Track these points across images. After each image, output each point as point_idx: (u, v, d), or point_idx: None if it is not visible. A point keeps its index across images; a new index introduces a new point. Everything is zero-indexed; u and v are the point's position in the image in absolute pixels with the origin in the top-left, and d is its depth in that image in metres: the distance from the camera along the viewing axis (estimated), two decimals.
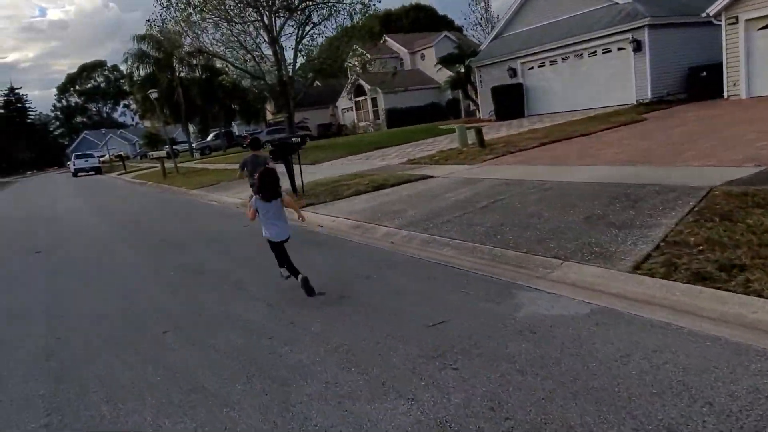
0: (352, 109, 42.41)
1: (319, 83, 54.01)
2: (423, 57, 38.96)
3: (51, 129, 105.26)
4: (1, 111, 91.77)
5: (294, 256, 5.12)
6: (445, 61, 26.85)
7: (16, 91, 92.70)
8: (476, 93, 26.27)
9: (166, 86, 40.96)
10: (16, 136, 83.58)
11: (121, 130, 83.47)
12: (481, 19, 51.73)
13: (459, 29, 52.18)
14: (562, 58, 21.56)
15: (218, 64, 29.62)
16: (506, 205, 7.19)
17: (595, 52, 20.24)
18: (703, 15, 16.32)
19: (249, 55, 23.45)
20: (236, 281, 5.85)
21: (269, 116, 48.04)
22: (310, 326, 4.15)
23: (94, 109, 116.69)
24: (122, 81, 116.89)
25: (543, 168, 9.65)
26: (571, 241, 5.20)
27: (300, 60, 24.47)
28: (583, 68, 20.78)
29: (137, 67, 39.45)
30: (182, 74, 41.02)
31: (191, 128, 72.77)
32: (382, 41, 39.06)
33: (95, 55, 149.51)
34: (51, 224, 13.40)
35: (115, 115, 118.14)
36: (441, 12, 71.50)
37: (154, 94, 24.83)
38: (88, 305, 5.70)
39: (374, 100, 36.97)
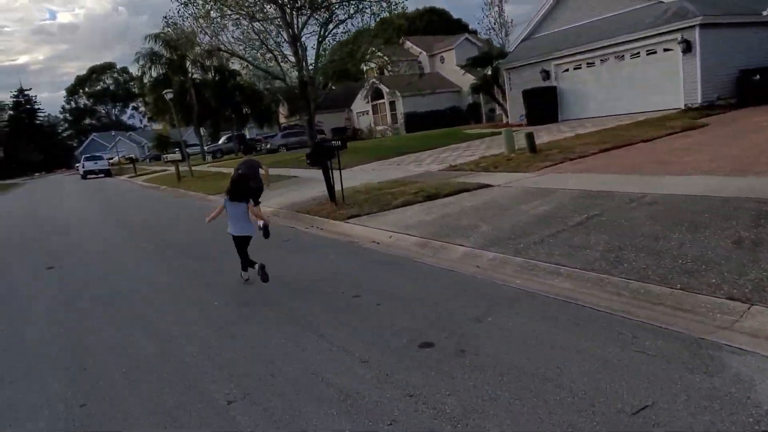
0: (368, 113, 41.36)
1: (333, 87, 53.31)
2: (442, 60, 37.89)
3: (59, 131, 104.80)
4: (11, 112, 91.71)
5: (370, 281, 4.00)
6: (473, 63, 25.76)
7: (26, 92, 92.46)
8: (504, 96, 25.12)
9: (179, 88, 40.10)
10: (25, 137, 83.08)
11: (130, 133, 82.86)
12: (495, 24, 50.87)
13: (473, 33, 51.21)
14: (601, 60, 20.39)
15: (236, 65, 28.66)
16: (607, 222, 6.03)
17: (638, 53, 19.06)
18: (765, 13, 15.13)
19: (270, 54, 22.41)
20: (303, 317, 4.70)
21: (282, 120, 47.06)
22: (435, 399, 2.98)
23: (103, 111, 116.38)
24: (131, 83, 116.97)
25: (621, 177, 8.47)
26: (739, 274, 4.03)
27: (322, 60, 23.39)
28: (625, 71, 19.59)
29: (149, 68, 38.51)
30: (195, 76, 40.13)
31: (202, 131, 72.15)
32: (401, 43, 38.00)
33: (104, 58, 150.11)
34: (62, 233, 12.32)
35: (124, 117, 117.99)
36: (455, 16, 70.44)
37: (169, 95, 23.84)
38: (117, 349, 4.55)
39: (392, 104, 35.90)
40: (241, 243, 6.01)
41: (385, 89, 35.09)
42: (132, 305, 5.83)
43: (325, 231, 8.70)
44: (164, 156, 24.47)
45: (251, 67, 24.03)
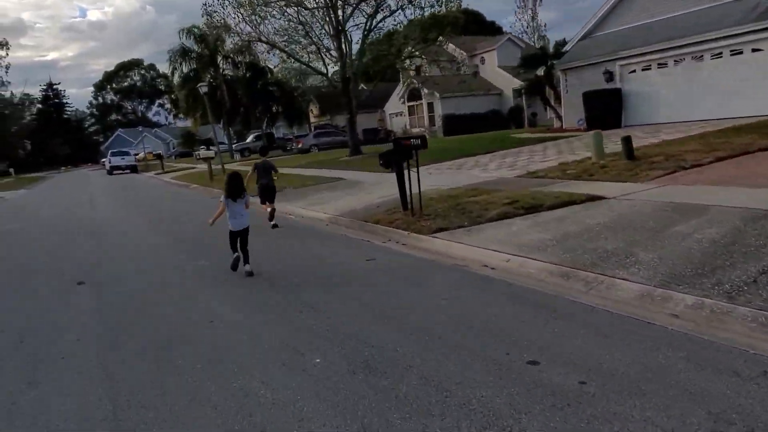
0: (401, 114, 39.88)
1: (364, 86, 51.98)
2: (483, 61, 36.26)
3: (86, 126, 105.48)
4: (39, 106, 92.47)
5: (529, 334, 2.44)
6: (525, 63, 24.07)
7: (55, 86, 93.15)
8: (557, 99, 23.41)
9: (209, 84, 39.12)
10: (52, 131, 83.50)
11: (155, 129, 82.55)
12: (528, 27, 49.06)
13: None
14: (675, 61, 18.58)
15: (271, 61, 27.35)
16: None
17: (720, 53, 17.23)
18: None
19: (313, 47, 21.08)
20: (426, 378, 3.16)
21: (312, 119, 45.86)
22: None
23: (129, 108, 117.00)
24: (158, 80, 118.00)
25: None
26: None
27: (366, 55, 21.98)
28: (703, 73, 17.76)
29: (180, 64, 37.57)
30: (226, 72, 39.10)
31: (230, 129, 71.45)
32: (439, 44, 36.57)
33: (131, 56, 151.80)
34: (92, 237, 11.01)
35: (150, 114, 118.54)
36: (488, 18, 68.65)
37: (203, 88, 22.64)
38: (183, 415, 3.07)
39: (430, 105, 34.38)
40: (243, 237, 6.34)
41: (423, 90, 33.56)
42: (188, 340, 4.35)
43: (408, 247, 7.17)
44: (196, 153, 23.20)
45: (288, 62, 22.70)
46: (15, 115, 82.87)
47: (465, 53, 35.11)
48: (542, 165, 12.32)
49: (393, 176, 8.65)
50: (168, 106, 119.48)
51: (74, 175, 53.45)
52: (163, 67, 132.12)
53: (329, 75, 22.13)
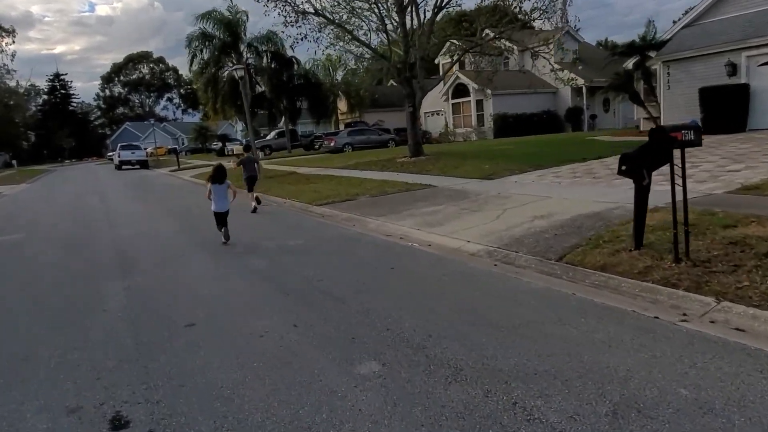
0: (440, 113, 36.39)
1: (394, 83, 48.50)
2: (535, 56, 32.69)
3: (92, 119, 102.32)
4: (45, 96, 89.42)
5: None
6: (620, 53, 20.59)
7: (61, 77, 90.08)
8: (654, 96, 19.88)
9: (229, 74, 35.69)
10: (58, 122, 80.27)
11: (164, 123, 79.16)
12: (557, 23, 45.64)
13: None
14: None
15: (305, 47, 23.76)
16: None
17: None
18: None
19: (376, 23, 17.63)
20: None
21: (339, 116, 42.37)
22: None
23: (137, 101, 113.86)
24: (167, 74, 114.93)
25: None
26: None
27: (435, 36, 18.53)
28: None
29: (199, 50, 34.14)
30: (249, 61, 35.64)
31: (240, 125, 67.95)
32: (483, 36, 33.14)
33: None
34: (117, 264, 7.51)
35: (157, 108, 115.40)
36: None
37: (239, 71, 19.15)
38: None
39: (479, 103, 30.86)
40: (223, 217, 8.05)
41: (472, 85, 30.00)
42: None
43: (722, 328, 3.66)
44: (228, 148, 19.66)
45: (342, 42, 19.18)
46: (19, 106, 79.72)
47: (514, 46, 31.49)
48: (740, 175, 8.81)
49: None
50: (176, 100, 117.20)
51: (79, 169, 49.97)
52: (173, 61, 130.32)
53: (391, 58, 18.57)
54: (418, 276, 5.78)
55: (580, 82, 30.08)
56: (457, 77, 31.00)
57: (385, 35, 18.10)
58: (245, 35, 34.69)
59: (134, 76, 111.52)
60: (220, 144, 48.28)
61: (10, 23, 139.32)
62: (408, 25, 17.92)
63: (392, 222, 8.56)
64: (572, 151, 16.15)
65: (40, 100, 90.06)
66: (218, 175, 8.06)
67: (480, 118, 30.95)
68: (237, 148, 17.29)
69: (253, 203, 11.23)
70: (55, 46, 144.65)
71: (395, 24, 18.21)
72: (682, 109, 17.94)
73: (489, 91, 29.96)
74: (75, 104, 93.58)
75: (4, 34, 73.49)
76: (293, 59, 36.53)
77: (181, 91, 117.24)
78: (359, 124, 35.33)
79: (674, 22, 23.95)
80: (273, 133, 42.06)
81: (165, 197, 16.88)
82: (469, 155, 18.37)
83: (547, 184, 10.53)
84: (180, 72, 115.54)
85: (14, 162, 71.33)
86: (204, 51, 34.30)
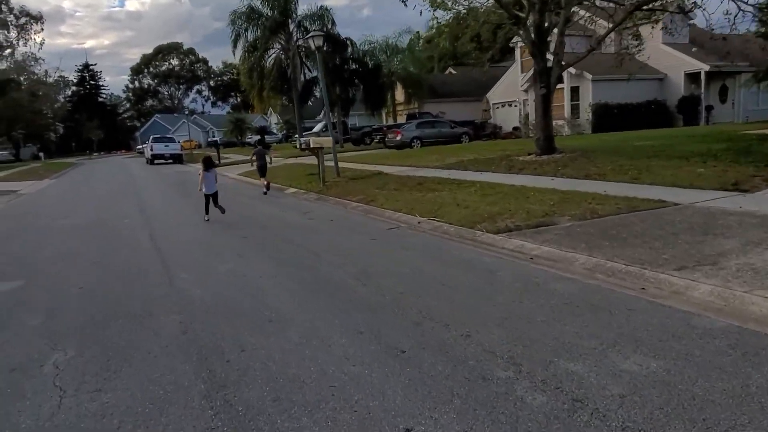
0: (513, 104, 31.70)
1: (453, 71, 43.80)
2: (638, 36, 27.71)
3: (120, 111, 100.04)
4: (74, 88, 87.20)
5: None
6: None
7: (91, 67, 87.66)
8: None
9: (277, 57, 31.60)
10: (87, 114, 77.67)
11: (194, 116, 75.74)
12: None
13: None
14: None
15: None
16: None
17: None
18: None
19: None
20: None
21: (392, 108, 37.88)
22: None
23: (166, 93, 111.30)
24: (197, 65, 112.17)
25: None
26: None
27: None
28: None
29: (244, 30, 30.05)
30: (299, 42, 31.47)
31: (275, 118, 64.09)
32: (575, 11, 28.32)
33: None
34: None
35: (186, 101, 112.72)
36: None
37: (318, 40, 14.79)
38: None
39: (575, 91, 25.98)
40: (214, 197, 9.55)
41: (567, 69, 25.14)
42: None
43: None
44: (300, 141, 15.20)
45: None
46: (47, 96, 77.38)
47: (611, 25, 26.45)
48: None
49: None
50: (206, 92, 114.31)
51: (108, 162, 46.60)
52: (203, 53, 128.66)
53: (526, 19, 13.97)
54: None
55: (698, 65, 25.07)
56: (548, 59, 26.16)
57: None
58: (296, 13, 30.48)
59: (164, 68, 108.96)
60: (258, 137, 44.28)
61: (38, 11, 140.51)
62: None
63: (719, 285, 4.11)
64: (728, 148, 11.57)
65: (69, 92, 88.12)
66: (207, 164, 9.70)
67: (575, 109, 26.06)
68: (318, 139, 13.52)
69: (264, 189, 13.46)
70: (85, 40, 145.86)
71: None
72: None
73: (589, 76, 25.17)
74: (104, 95, 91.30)
75: (32, 21, 71.25)
76: (347, 41, 32.21)
77: (211, 83, 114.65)
78: (424, 116, 30.84)
79: None
80: (320, 125, 37.85)
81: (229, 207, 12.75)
82: (621, 153, 13.74)
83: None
84: (210, 64, 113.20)
85: (41, 154, 68.85)
86: (249, 31, 30.18)
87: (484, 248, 6.52)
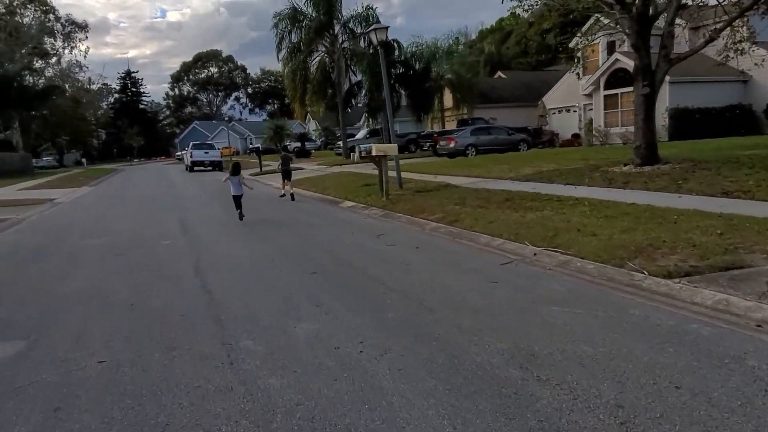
0: (573, 110, 29.39)
1: (502, 75, 41.70)
2: (715, 32, 25.11)
3: (161, 118, 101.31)
4: (117, 95, 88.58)
5: None
6: None
7: (133, 74, 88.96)
8: None
9: (321, 60, 30.18)
10: (128, 120, 78.55)
11: (233, 123, 75.49)
12: None
13: None
14: None
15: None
16: None
17: None
18: None
19: None
20: None
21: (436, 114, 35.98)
22: None
23: (205, 100, 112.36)
24: (235, 73, 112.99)
25: None
26: None
27: None
28: None
29: (288, 32, 28.75)
30: (345, 44, 29.97)
31: (313, 124, 63.03)
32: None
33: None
34: None
35: (224, 108, 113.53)
36: None
37: (382, 34, 13.06)
38: None
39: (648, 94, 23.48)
40: (238, 199, 10.50)
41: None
42: None
43: None
44: (360, 147, 13.18)
45: None
46: (91, 103, 78.68)
47: (683, 22, 23.90)
48: None
49: None
50: (244, 99, 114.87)
51: (147, 169, 46.21)
52: (240, 61, 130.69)
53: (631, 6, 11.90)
54: None
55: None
56: (617, 60, 23.83)
57: None
58: (341, 13, 29.00)
59: (203, 75, 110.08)
60: (298, 144, 43.05)
61: (83, 20, 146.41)
62: None
63: None
64: None
65: (111, 99, 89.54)
66: (235, 171, 10.79)
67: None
68: (382, 147, 11.89)
69: (284, 191, 14.29)
70: (128, 50, 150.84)
71: None
72: None
73: (667, 76, 22.69)
74: (145, 102, 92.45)
75: (78, 29, 72.53)
76: (394, 42, 30.48)
77: (249, 90, 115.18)
78: (477, 121, 28.84)
79: None
80: (363, 132, 36.37)
81: (287, 226, 11.10)
82: (742, 163, 11.48)
83: None
84: (248, 71, 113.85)
85: (84, 160, 69.69)
86: (293, 33, 28.85)
87: (659, 301, 4.56)
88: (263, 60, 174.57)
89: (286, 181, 14.19)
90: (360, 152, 11.50)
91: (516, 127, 29.13)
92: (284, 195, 14.04)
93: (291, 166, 14.92)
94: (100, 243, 9.07)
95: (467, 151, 23.99)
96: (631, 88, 23.85)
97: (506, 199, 9.93)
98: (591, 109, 28.94)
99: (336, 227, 9.58)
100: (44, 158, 67.64)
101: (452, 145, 24.17)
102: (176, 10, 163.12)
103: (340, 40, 29.60)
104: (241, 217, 10.23)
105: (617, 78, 24.36)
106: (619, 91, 24.40)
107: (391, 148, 11.86)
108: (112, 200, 17.86)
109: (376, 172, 20.13)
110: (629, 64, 23.45)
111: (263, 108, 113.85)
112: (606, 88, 24.97)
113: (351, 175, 18.55)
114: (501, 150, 24.88)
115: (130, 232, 10.15)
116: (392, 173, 13.30)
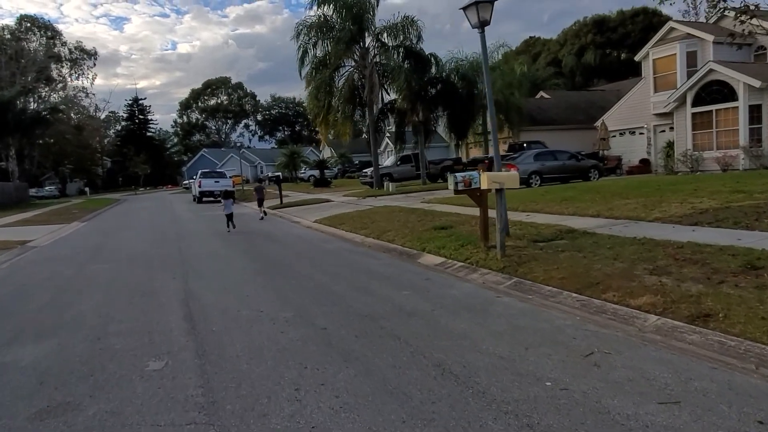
0: (642, 131, 25.44)
1: (545, 95, 38.00)
2: None
3: (168, 146, 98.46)
4: (124, 123, 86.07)
5: None
6: None
7: (140, 101, 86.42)
8: None
9: (348, 77, 26.51)
10: (135, 147, 75.44)
11: (243, 150, 72.22)
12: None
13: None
14: None
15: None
16: None
17: None
18: None
19: None
20: None
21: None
22: None
23: (213, 128, 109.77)
24: (245, 100, 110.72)
25: None
26: None
27: None
28: None
29: (313, 44, 25.17)
30: (377, 59, 26.31)
31: (328, 150, 59.42)
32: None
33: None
34: None
35: (233, 135, 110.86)
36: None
37: (485, 12, 9.24)
38: None
39: (755, 109, 19.33)
40: (230, 217, 14.18)
41: (744, 81, 18.69)
42: None
43: None
44: (455, 177, 9.21)
45: None
46: (96, 130, 75.90)
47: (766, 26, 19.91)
48: None
49: None
50: (253, 127, 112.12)
51: (151, 199, 42.44)
52: (250, 86, 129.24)
53: None
54: None
55: None
56: (711, 70, 19.84)
57: None
58: (374, 24, 25.44)
59: (212, 102, 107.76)
60: (317, 172, 39.18)
61: (100, 65, 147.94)
62: None
63: None
64: None
65: (119, 127, 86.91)
66: (228, 196, 14.88)
67: (755, 134, 19.39)
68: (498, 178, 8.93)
69: (261, 214, 18.30)
70: (138, 81, 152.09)
71: None
72: None
73: None
74: (153, 130, 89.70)
75: (86, 56, 70.21)
76: (431, 57, 26.88)
77: (258, 117, 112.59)
78: (535, 145, 24.86)
79: None
80: (393, 158, 32.48)
81: (349, 303, 7.00)
82: None
83: None
84: (258, 98, 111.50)
85: (87, 189, 66.33)
86: (317, 45, 25.26)
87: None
88: (270, 89, 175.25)
89: (261, 207, 18.49)
90: (455, 185, 7.28)
91: (568, 152, 25.12)
92: (263, 217, 17.96)
93: (264, 194, 19.03)
94: (52, 348, 4.92)
95: (531, 180, 19.94)
96: (730, 104, 19.91)
97: (748, 265, 5.74)
98: (663, 131, 24.95)
99: (449, 320, 5.36)
100: (46, 187, 64.32)
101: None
102: (186, 42, 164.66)
103: (372, 54, 25.94)
104: (230, 229, 14.11)
105: (710, 92, 20.33)
106: (713, 107, 20.31)
107: (510, 179, 7.80)
108: (98, 246, 13.82)
109: (432, 207, 15.78)
110: (728, 74, 19.50)
111: (273, 135, 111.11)
112: (695, 104, 20.93)
113: (405, 212, 14.41)
114: (566, 179, 20.85)
115: (103, 319, 6.01)
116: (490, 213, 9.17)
